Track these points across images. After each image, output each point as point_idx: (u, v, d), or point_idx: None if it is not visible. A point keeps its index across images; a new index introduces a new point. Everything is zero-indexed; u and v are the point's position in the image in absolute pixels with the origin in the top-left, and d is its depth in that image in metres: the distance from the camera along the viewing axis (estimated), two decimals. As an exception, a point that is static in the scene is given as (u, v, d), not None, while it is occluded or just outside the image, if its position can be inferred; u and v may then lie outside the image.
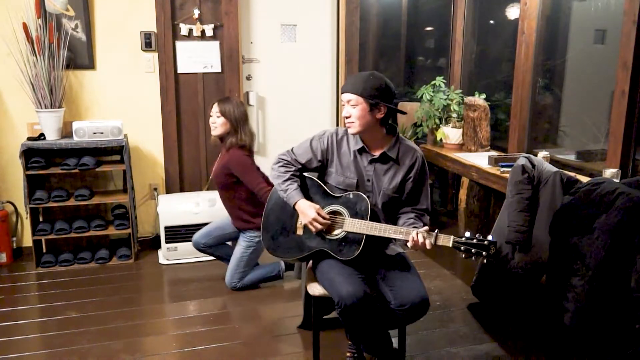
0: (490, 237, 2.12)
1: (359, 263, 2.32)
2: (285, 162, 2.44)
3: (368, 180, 2.36)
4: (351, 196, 2.33)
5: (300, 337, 2.83)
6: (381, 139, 2.35)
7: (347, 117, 2.29)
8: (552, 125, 3.81)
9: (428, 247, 2.14)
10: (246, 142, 3.23)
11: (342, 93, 2.31)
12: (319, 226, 2.31)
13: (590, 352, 2.46)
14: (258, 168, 3.27)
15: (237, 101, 3.28)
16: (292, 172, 2.42)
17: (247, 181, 3.17)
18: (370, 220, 2.25)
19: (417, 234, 2.14)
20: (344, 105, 2.30)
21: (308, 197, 2.40)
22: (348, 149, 2.39)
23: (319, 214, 2.31)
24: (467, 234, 2.14)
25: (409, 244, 2.17)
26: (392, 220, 2.38)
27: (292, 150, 2.47)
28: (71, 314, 3.05)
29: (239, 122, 3.21)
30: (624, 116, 2.75)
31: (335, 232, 2.33)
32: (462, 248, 2.12)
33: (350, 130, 2.33)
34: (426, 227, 2.20)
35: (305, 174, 2.48)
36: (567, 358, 2.63)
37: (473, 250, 2.11)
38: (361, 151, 2.36)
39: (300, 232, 2.41)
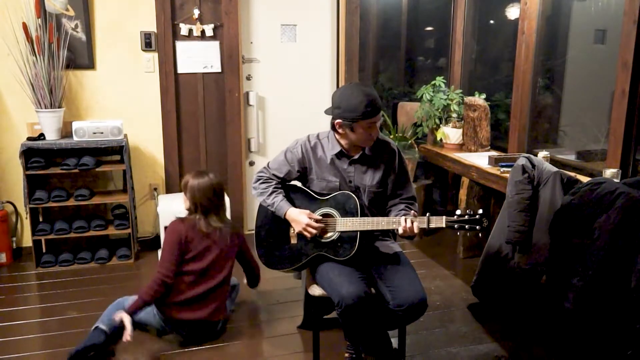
0: (480, 211, 2.16)
1: (358, 262, 2.32)
2: (265, 178, 2.46)
3: (350, 181, 2.38)
4: (339, 196, 2.34)
5: (300, 337, 2.83)
6: None
7: (375, 136, 2.30)
8: (552, 125, 3.81)
9: (416, 230, 2.17)
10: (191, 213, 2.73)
11: (373, 116, 2.23)
12: (313, 231, 2.31)
13: (590, 352, 2.46)
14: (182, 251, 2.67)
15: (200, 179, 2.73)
16: (273, 186, 2.44)
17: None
18: (361, 216, 2.26)
19: (405, 220, 2.18)
20: (369, 126, 2.25)
21: (295, 205, 2.40)
22: (324, 154, 2.40)
23: (310, 218, 2.31)
24: (458, 211, 2.19)
25: (400, 231, 2.20)
26: (383, 215, 2.40)
27: (268, 165, 2.49)
28: (71, 314, 3.05)
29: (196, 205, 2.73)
30: (624, 116, 2.75)
31: (329, 234, 2.34)
32: (455, 226, 2.17)
33: (369, 145, 2.34)
34: (415, 211, 2.24)
35: (288, 183, 2.49)
36: (567, 358, 2.63)
37: (467, 227, 2.15)
38: (339, 155, 2.37)
39: (294, 241, 2.41)
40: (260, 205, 2.52)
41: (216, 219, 2.73)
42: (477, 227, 2.14)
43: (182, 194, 2.80)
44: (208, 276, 2.69)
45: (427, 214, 2.18)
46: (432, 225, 2.17)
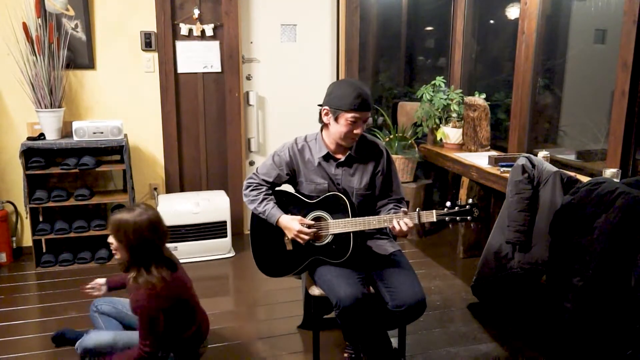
0: (470, 200, 2.16)
1: (356, 263, 2.32)
2: (255, 184, 2.44)
3: (338, 184, 2.37)
4: (328, 198, 2.33)
5: (300, 337, 2.83)
6: None
7: (357, 134, 2.28)
8: (552, 125, 3.81)
9: (405, 228, 2.16)
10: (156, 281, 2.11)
11: (363, 111, 2.22)
12: (306, 237, 2.30)
13: (590, 352, 2.46)
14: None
15: (140, 216, 2.11)
16: (264, 193, 2.41)
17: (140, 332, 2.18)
18: (352, 216, 2.26)
19: (397, 222, 2.17)
20: (353, 121, 2.23)
21: (287, 211, 2.38)
22: (312, 156, 2.39)
23: (302, 224, 2.30)
24: (448, 203, 2.18)
25: (394, 232, 2.19)
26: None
27: (257, 171, 2.47)
28: (71, 314, 3.05)
29: (137, 252, 2.12)
30: (624, 116, 2.75)
31: (323, 237, 2.34)
32: (446, 219, 2.15)
33: (348, 144, 2.33)
34: (405, 209, 2.21)
35: (277, 188, 2.47)
36: (567, 358, 2.63)
37: (458, 218, 2.15)
38: (326, 157, 2.37)
39: (289, 247, 2.40)
40: (251, 219, 2.50)
41: (162, 269, 2.15)
42: (468, 217, 2.13)
43: (112, 239, 2.17)
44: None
45: (417, 209, 2.17)
46: (423, 221, 2.16)
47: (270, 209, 2.37)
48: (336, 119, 2.26)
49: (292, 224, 2.31)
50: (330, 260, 2.31)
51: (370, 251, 2.43)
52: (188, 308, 2.33)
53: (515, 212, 2.80)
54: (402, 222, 2.17)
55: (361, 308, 2.17)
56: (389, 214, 2.33)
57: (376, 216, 2.25)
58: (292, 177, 2.45)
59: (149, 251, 2.13)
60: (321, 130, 2.42)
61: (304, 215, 2.35)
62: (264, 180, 2.43)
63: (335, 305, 2.18)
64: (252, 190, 2.43)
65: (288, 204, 2.42)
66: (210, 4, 3.94)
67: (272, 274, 2.50)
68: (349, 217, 2.26)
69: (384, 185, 2.41)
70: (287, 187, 2.51)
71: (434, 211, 2.16)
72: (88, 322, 2.92)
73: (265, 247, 2.48)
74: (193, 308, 2.38)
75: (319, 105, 2.36)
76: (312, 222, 2.33)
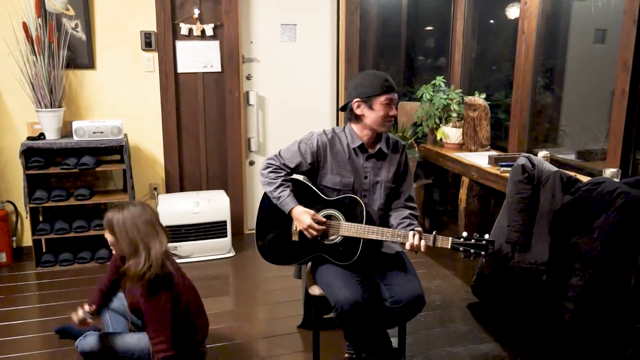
0: (487, 236, 2.15)
1: (358, 265, 2.31)
2: (275, 167, 2.39)
3: (365, 177, 2.37)
4: (346, 200, 2.32)
5: (300, 337, 2.83)
6: (375, 134, 2.39)
7: (393, 116, 2.32)
8: (552, 125, 3.81)
9: (422, 249, 2.15)
10: (153, 272, 2.15)
11: (393, 92, 2.29)
12: (315, 233, 2.29)
13: (590, 352, 2.46)
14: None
15: (136, 210, 2.22)
16: (283, 178, 2.37)
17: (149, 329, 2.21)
18: (366, 223, 2.25)
19: (413, 235, 2.15)
20: (388, 103, 2.28)
21: (301, 201, 2.36)
22: (342, 147, 2.37)
23: (314, 219, 2.29)
24: (465, 234, 2.17)
25: (407, 247, 2.17)
26: (388, 211, 2.42)
27: (279, 154, 2.42)
28: (71, 313, 3.05)
29: (137, 245, 2.19)
30: (624, 116, 2.75)
31: (332, 236, 2.33)
32: (460, 249, 2.14)
33: (387, 129, 2.36)
34: (420, 229, 2.20)
35: (297, 177, 2.44)
36: (567, 358, 2.63)
37: (472, 251, 2.13)
38: (360, 148, 2.37)
39: (295, 237, 2.39)
40: (263, 198, 2.46)
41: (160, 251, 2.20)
42: (483, 252, 2.13)
43: (109, 237, 2.27)
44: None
45: (434, 232, 2.16)
46: (438, 245, 2.16)
47: (285, 197, 2.33)
48: (371, 107, 2.28)
49: (304, 217, 2.29)
50: (333, 261, 2.31)
51: (375, 253, 2.42)
52: (195, 309, 2.38)
53: (515, 211, 2.81)
54: (416, 241, 2.15)
55: (359, 312, 2.17)
56: (403, 222, 2.32)
57: (391, 229, 2.24)
58: (313, 168, 2.40)
59: (147, 240, 2.19)
60: (349, 124, 2.40)
61: (318, 211, 2.34)
62: (285, 164, 2.39)
63: (334, 307, 2.18)
64: (271, 172, 2.39)
65: (303, 196, 2.38)
66: (210, 3, 3.94)
67: (272, 260, 2.48)
68: (362, 223, 2.25)
69: (400, 179, 2.43)
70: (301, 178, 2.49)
71: (449, 238, 2.15)
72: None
73: (271, 232, 2.46)
74: (199, 311, 2.42)
75: (343, 108, 2.39)
76: (324, 220, 2.31)
